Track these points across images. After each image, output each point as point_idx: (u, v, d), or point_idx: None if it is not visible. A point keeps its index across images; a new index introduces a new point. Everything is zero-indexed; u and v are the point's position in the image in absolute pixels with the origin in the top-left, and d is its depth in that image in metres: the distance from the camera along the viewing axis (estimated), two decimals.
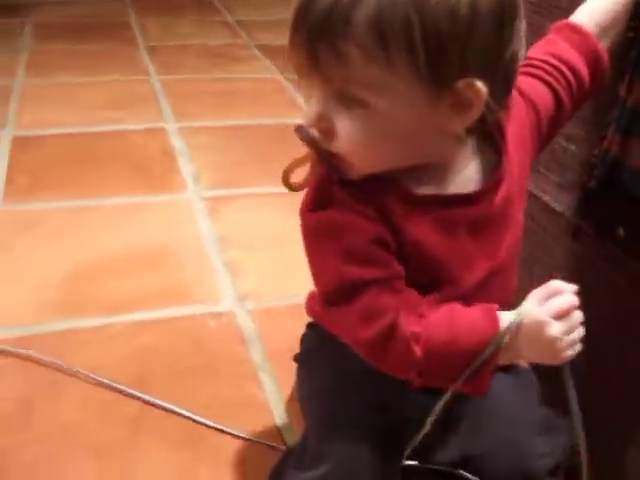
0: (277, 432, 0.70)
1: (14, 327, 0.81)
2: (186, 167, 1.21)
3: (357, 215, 0.47)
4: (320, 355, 0.60)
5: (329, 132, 0.46)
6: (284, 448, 0.67)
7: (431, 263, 0.49)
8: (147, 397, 0.72)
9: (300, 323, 0.64)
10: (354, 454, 0.52)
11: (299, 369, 0.63)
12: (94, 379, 0.74)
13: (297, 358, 0.64)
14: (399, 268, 0.48)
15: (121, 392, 0.73)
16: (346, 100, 0.44)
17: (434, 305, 0.48)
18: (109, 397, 0.72)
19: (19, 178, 1.14)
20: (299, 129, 0.47)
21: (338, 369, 0.57)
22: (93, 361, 0.76)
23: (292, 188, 0.49)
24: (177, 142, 1.30)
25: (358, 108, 0.44)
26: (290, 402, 0.73)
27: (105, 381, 0.73)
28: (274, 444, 0.68)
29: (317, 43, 0.43)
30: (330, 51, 0.42)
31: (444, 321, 0.47)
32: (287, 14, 0.43)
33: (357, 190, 0.48)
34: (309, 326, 0.64)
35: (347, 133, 0.45)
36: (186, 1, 2.50)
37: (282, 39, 0.45)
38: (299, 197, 0.49)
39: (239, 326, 0.84)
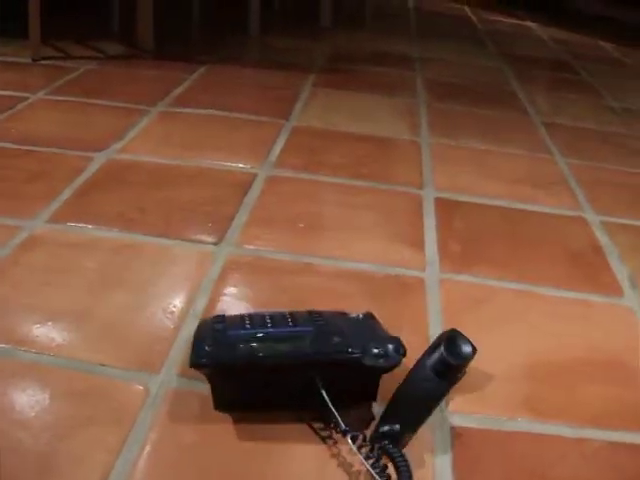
0: None
1: (478, 416, 0.79)
2: (618, 268, 1.14)
3: None
4: None
5: None
6: None
7: None
8: None
9: None
10: None
11: None
12: None
13: None
14: None
15: None
16: None
17: None
18: None
19: (452, 245, 1.15)
20: None
21: None
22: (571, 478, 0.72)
23: None
24: (602, 237, 1.24)
25: None
26: None
27: None
28: None
29: None
30: None
31: None
32: None
33: None
34: None
35: None
36: (564, 78, 2.46)
37: None
38: None
39: None
